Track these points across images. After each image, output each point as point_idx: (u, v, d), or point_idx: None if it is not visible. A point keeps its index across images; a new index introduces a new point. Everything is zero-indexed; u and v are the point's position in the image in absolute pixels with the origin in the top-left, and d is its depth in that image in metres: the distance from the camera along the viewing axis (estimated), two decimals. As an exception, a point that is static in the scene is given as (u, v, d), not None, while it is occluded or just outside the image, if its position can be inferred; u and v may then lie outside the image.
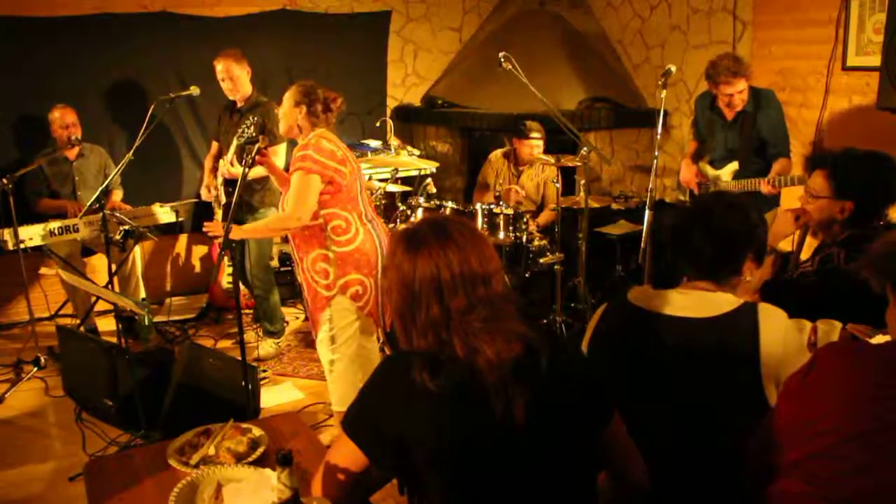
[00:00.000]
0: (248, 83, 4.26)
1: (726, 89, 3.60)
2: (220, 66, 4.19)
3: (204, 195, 4.47)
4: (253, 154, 3.19)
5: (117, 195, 4.77)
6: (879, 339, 1.91)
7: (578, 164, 4.21)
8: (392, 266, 1.51)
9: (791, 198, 4.19)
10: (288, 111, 3.17)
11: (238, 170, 3.89)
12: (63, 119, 4.49)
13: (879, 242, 1.62)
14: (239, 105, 4.28)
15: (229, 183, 4.21)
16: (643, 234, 3.43)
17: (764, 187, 3.52)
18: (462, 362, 1.42)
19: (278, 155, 4.14)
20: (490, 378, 1.41)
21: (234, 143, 3.87)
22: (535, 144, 4.68)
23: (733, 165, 3.78)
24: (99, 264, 5.03)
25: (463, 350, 1.42)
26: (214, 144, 4.55)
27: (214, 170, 4.46)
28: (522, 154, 4.75)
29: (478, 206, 4.18)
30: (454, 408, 1.42)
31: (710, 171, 3.89)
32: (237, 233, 3.12)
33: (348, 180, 3.10)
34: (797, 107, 4.30)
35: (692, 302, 1.82)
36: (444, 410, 1.42)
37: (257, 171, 3.84)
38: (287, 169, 3.71)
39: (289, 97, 3.16)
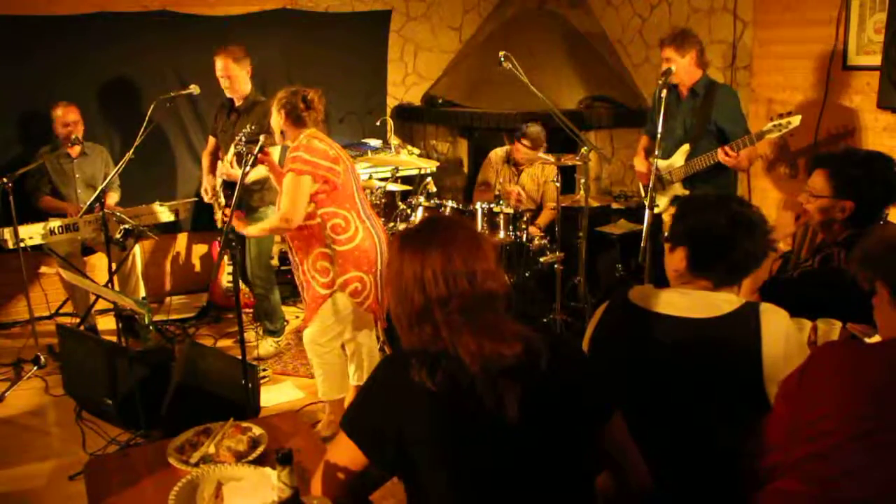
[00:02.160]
0: (247, 82, 4.23)
1: (662, 54, 3.80)
2: (219, 64, 4.16)
3: (205, 198, 4.46)
4: (255, 153, 3.21)
5: (113, 198, 4.71)
6: (878, 338, 1.91)
7: (578, 163, 4.21)
8: (389, 262, 1.57)
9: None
10: (274, 120, 3.22)
11: (237, 171, 3.89)
12: (65, 117, 4.49)
13: (873, 239, 1.62)
14: (237, 104, 4.27)
15: (227, 185, 4.20)
16: (643, 234, 3.43)
17: (721, 153, 3.56)
18: (453, 358, 1.43)
19: (272, 155, 4.14)
20: (473, 370, 1.42)
21: (232, 149, 3.87)
22: (522, 150, 4.70)
23: (684, 148, 3.82)
24: (99, 263, 5.02)
25: (446, 340, 1.45)
26: (211, 140, 4.54)
27: (212, 167, 4.45)
28: (515, 156, 4.79)
29: (478, 205, 4.18)
30: (451, 406, 1.42)
31: (661, 162, 3.93)
32: (242, 227, 3.17)
33: (343, 178, 3.11)
34: (797, 106, 4.30)
35: (694, 302, 1.82)
36: (442, 409, 1.42)
37: (258, 172, 3.83)
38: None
39: (272, 107, 3.22)
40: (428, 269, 1.48)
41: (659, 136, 3.55)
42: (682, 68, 3.75)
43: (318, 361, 3.33)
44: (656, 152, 3.59)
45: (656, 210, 4.07)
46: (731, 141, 3.65)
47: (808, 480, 1.47)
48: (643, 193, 4.22)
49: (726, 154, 3.55)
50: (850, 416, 1.45)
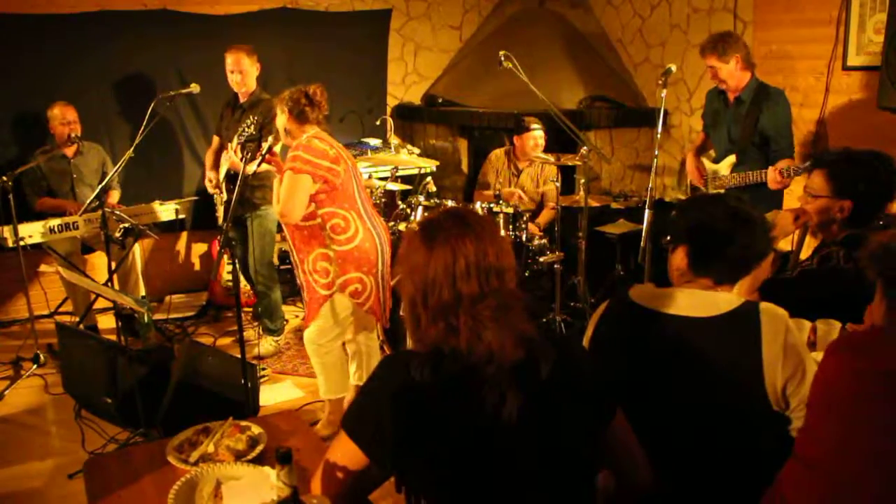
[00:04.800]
0: (254, 79, 4.28)
1: (705, 62, 3.67)
2: (230, 58, 4.21)
3: (208, 187, 4.48)
4: (263, 153, 3.22)
5: (114, 196, 4.75)
6: None
7: (578, 163, 4.21)
8: (408, 254, 1.51)
9: (794, 198, 4.20)
10: (279, 120, 3.24)
11: (241, 157, 3.89)
12: (64, 115, 4.49)
13: (886, 236, 1.63)
14: (241, 101, 4.30)
15: (231, 180, 4.21)
16: (643, 234, 3.43)
17: (772, 174, 3.43)
18: (463, 356, 1.43)
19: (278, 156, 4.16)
20: (488, 369, 1.41)
21: (236, 140, 3.88)
22: (537, 136, 4.68)
23: (731, 158, 3.74)
24: (99, 262, 5.03)
25: (468, 339, 1.42)
26: (216, 139, 4.56)
27: (216, 164, 4.46)
28: (526, 148, 4.74)
29: (477, 204, 4.18)
30: (451, 406, 1.42)
31: (710, 165, 3.88)
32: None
33: (343, 178, 3.11)
34: (797, 106, 4.30)
35: (694, 301, 1.82)
36: (442, 409, 1.42)
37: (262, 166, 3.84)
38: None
39: (277, 108, 3.24)
40: (461, 261, 1.44)
41: (658, 135, 3.54)
42: (729, 74, 3.61)
43: (318, 361, 3.34)
44: (655, 154, 3.57)
45: None
46: (773, 151, 3.55)
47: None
48: (689, 192, 4.14)
49: (780, 177, 3.38)
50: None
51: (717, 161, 3.83)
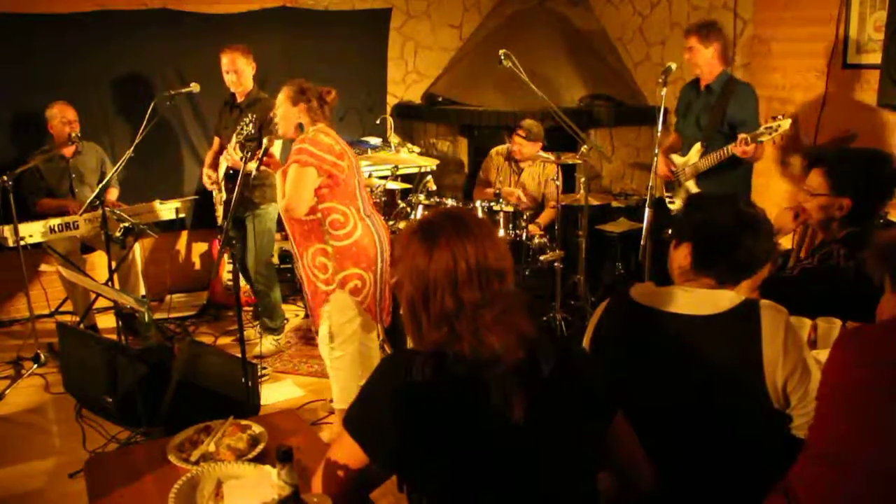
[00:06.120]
0: (251, 78, 4.28)
1: (686, 42, 3.78)
2: (226, 59, 4.21)
3: (206, 183, 4.47)
4: (261, 155, 3.21)
5: (113, 193, 4.75)
6: None
7: (579, 161, 4.21)
8: (406, 256, 1.49)
9: (792, 196, 4.20)
10: (287, 112, 3.20)
11: (241, 156, 3.90)
12: (64, 115, 4.49)
13: (888, 235, 1.63)
14: (239, 100, 4.30)
15: (230, 179, 4.21)
16: (643, 232, 3.43)
17: (738, 147, 3.47)
18: (467, 358, 1.42)
19: (275, 152, 4.16)
20: (493, 372, 1.40)
21: (235, 139, 3.88)
22: (518, 142, 4.70)
23: (697, 147, 3.80)
24: (99, 261, 5.03)
25: (471, 343, 1.42)
26: (216, 140, 4.55)
27: (215, 164, 4.46)
28: (512, 150, 4.80)
29: (478, 203, 4.18)
30: (453, 406, 1.42)
31: (678, 159, 3.91)
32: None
33: (346, 174, 3.11)
34: (797, 104, 4.30)
35: (695, 299, 1.82)
36: (444, 409, 1.42)
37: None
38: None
39: (284, 99, 3.20)
40: (462, 265, 1.42)
41: (659, 133, 3.55)
42: (705, 60, 3.72)
43: (330, 364, 3.29)
44: (655, 152, 3.58)
45: (672, 206, 4.04)
46: (739, 134, 3.58)
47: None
48: (664, 191, 4.18)
49: (744, 145, 3.44)
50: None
51: (684, 153, 3.87)
